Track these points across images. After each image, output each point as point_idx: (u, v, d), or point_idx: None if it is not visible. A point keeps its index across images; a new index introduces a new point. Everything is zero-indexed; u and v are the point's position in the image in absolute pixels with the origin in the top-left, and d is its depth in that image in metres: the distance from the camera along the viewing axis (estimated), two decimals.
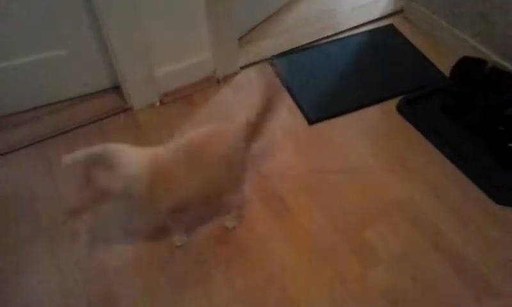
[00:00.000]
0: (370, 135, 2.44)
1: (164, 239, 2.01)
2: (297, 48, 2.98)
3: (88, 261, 1.97)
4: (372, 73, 2.78)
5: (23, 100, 2.53)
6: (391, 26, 3.10)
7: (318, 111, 2.52)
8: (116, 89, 2.66)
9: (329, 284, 1.87)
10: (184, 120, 2.53)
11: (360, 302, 1.82)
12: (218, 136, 1.80)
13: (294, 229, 2.06)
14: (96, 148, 1.61)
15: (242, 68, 2.84)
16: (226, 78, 2.77)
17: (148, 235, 2.05)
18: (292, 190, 2.20)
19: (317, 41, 3.04)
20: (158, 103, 2.62)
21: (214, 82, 2.75)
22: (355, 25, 3.13)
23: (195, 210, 2.00)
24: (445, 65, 2.68)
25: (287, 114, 2.53)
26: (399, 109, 2.52)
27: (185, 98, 2.66)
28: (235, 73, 2.81)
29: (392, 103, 2.56)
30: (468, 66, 2.48)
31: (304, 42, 3.02)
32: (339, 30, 3.10)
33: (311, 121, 2.49)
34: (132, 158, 1.65)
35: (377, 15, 3.18)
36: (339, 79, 2.75)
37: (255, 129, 1.88)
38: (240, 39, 2.94)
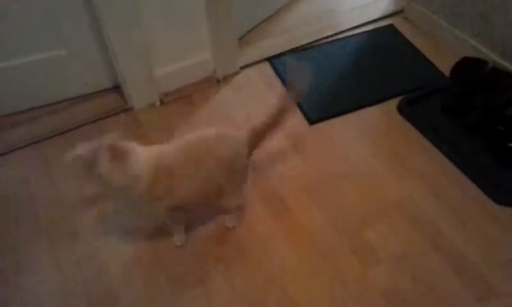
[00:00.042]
0: (370, 135, 2.44)
1: (164, 239, 2.01)
2: (297, 48, 2.98)
3: (88, 261, 1.97)
4: (372, 73, 2.78)
5: (22, 100, 2.53)
6: (391, 26, 3.10)
7: (318, 111, 2.52)
8: (117, 89, 2.67)
9: (329, 284, 1.87)
10: (184, 120, 2.53)
11: (360, 302, 1.82)
12: (221, 139, 1.80)
13: (294, 229, 2.06)
14: (110, 139, 1.61)
15: (242, 68, 2.84)
16: (226, 79, 2.78)
17: (148, 235, 2.05)
18: (292, 190, 2.20)
19: (317, 41, 3.04)
20: (158, 103, 2.62)
21: (214, 82, 2.75)
22: (355, 25, 3.13)
23: (195, 210, 2.00)
24: (445, 65, 2.69)
25: (287, 113, 2.52)
26: (399, 109, 2.53)
27: (186, 98, 2.66)
28: (235, 73, 2.81)
29: (392, 103, 2.57)
30: (468, 66, 2.48)
31: (304, 42, 3.02)
32: (339, 30, 3.10)
33: (311, 121, 2.49)
34: (138, 157, 1.65)
35: (377, 15, 3.18)
36: (339, 79, 2.75)
37: (258, 137, 1.90)
38: (240, 39, 2.94)
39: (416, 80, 2.69)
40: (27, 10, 2.20)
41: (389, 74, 2.76)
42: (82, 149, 1.62)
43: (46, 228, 2.08)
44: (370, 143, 2.39)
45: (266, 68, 2.85)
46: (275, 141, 2.22)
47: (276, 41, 3.02)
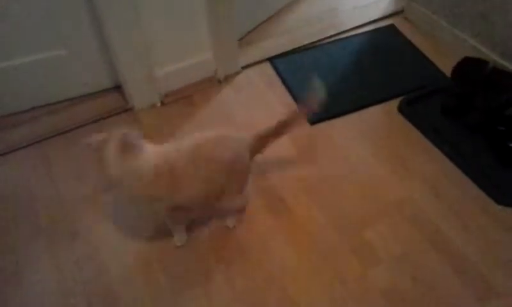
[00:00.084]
0: (370, 136, 2.44)
1: (164, 239, 2.01)
2: (299, 48, 2.99)
3: (88, 261, 1.96)
4: (373, 73, 2.78)
5: (23, 100, 2.53)
6: (391, 26, 3.10)
7: (319, 111, 2.51)
8: (117, 89, 2.67)
9: (329, 284, 1.87)
10: (185, 120, 2.53)
11: (360, 302, 1.82)
12: (224, 141, 1.80)
13: (294, 229, 2.06)
14: (126, 130, 1.63)
15: (243, 68, 2.84)
16: (227, 79, 2.78)
17: (148, 235, 2.05)
18: (292, 190, 2.20)
19: (318, 41, 3.04)
20: (159, 104, 2.62)
21: (215, 82, 2.75)
22: (356, 25, 3.13)
23: (196, 211, 1.99)
24: (445, 65, 2.69)
25: (288, 111, 2.52)
26: (400, 109, 2.52)
27: (187, 98, 2.66)
28: (237, 73, 2.81)
29: (393, 104, 2.56)
30: (469, 67, 2.48)
31: (305, 42, 3.02)
32: (340, 30, 3.11)
33: (312, 121, 2.49)
34: (143, 155, 1.65)
35: (378, 15, 3.19)
36: (340, 79, 2.75)
37: (262, 142, 1.91)
38: (241, 39, 2.94)
39: (416, 81, 2.69)
40: (27, 10, 2.20)
41: (390, 74, 2.76)
42: (100, 136, 1.63)
43: (46, 228, 2.08)
44: (371, 143, 2.39)
45: (267, 68, 2.85)
46: (275, 141, 2.22)
47: (277, 42, 3.02)
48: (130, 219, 2.11)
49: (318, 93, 1.99)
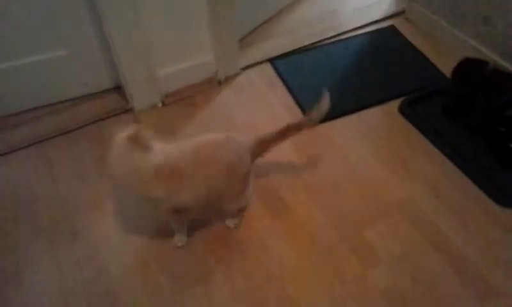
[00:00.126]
0: (370, 136, 2.44)
1: (164, 239, 2.01)
2: (299, 49, 2.99)
3: (88, 261, 1.97)
4: (373, 74, 2.79)
5: (23, 101, 2.53)
6: (392, 27, 3.10)
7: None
8: (118, 89, 2.67)
9: (328, 284, 1.87)
10: (185, 121, 2.53)
11: (360, 302, 1.82)
12: (225, 144, 1.81)
13: (294, 229, 2.06)
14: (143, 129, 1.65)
15: (243, 69, 2.84)
16: (228, 80, 2.78)
17: (148, 235, 2.05)
18: (291, 190, 2.20)
19: (319, 42, 3.04)
20: (160, 104, 2.62)
21: (216, 83, 2.75)
22: (357, 26, 3.13)
23: (196, 212, 1.99)
24: (445, 66, 2.69)
25: (288, 114, 2.53)
26: (401, 110, 2.52)
27: (187, 99, 2.66)
28: (237, 75, 2.81)
29: (393, 104, 2.57)
30: (469, 68, 2.47)
31: (306, 43, 3.02)
32: (341, 31, 3.10)
33: None
34: (148, 155, 1.66)
35: (379, 16, 3.18)
36: (341, 80, 2.75)
37: (264, 146, 1.92)
38: (241, 40, 2.94)
39: (417, 81, 2.69)
40: (27, 10, 2.20)
41: (390, 75, 2.76)
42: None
43: (46, 228, 2.08)
44: (371, 144, 2.39)
45: (267, 69, 2.85)
46: None
47: (278, 42, 3.02)
48: (131, 220, 2.11)
49: (325, 106, 2.00)
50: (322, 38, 3.05)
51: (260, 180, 2.21)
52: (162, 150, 1.71)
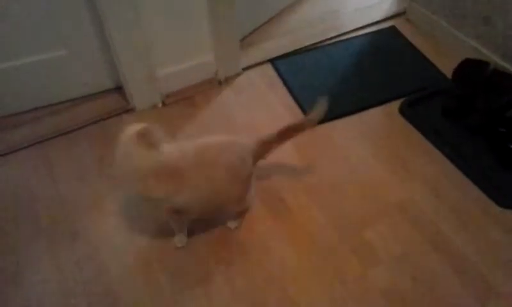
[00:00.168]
0: (371, 137, 2.44)
1: (165, 239, 2.01)
2: (300, 49, 2.99)
3: (88, 261, 1.97)
4: (373, 75, 2.79)
5: (23, 101, 2.53)
6: (393, 28, 3.10)
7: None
8: (118, 89, 2.67)
9: (329, 284, 1.87)
10: (186, 121, 2.53)
11: (360, 302, 1.82)
12: (228, 146, 1.81)
13: (294, 229, 2.06)
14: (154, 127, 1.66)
15: (244, 69, 2.84)
16: (228, 80, 2.78)
17: (148, 235, 2.05)
18: (292, 191, 2.20)
19: (320, 42, 3.04)
20: (160, 104, 2.62)
21: (216, 83, 2.75)
22: (358, 26, 3.14)
23: (197, 214, 1.99)
24: (446, 67, 2.69)
25: (289, 115, 2.53)
26: (401, 110, 2.52)
27: (188, 99, 2.66)
28: (237, 75, 2.81)
29: (393, 105, 2.57)
30: (470, 68, 2.48)
31: (307, 43, 3.02)
32: (342, 31, 3.11)
33: None
34: (147, 154, 1.66)
35: (380, 17, 3.19)
36: (341, 81, 2.75)
37: (265, 148, 1.92)
38: (242, 40, 2.93)
39: (417, 82, 2.69)
40: (27, 10, 2.20)
41: (391, 76, 2.76)
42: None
43: (46, 228, 2.08)
44: (371, 144, 2.39)
45: (268, 69, 2.85)
46: None
47: (279, 43, 3.02)
48: (131, 220, 2.11)
49: (323, 106, 1.99)
50: (324, 38, 3.05)
51: (262, 181, 2.21)
52: (164, 150, 1.72)
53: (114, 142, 1.68)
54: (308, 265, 1.94)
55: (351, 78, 2.77)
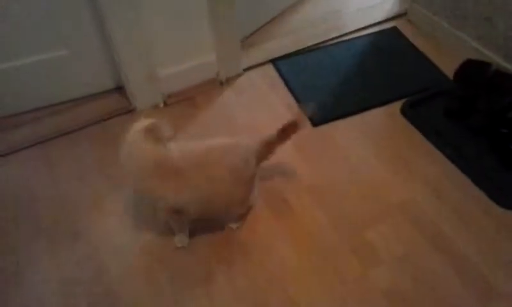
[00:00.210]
0: (373, 138, 2.43)
1: (165, 239, 2.01)
2: (302, 49, 2.99)
3: (88, 261, 1.96)
4: (375, 76, 2.78)
5: (24, 101, 2.53)
6: (394, 29, 3.10)
7: (322, 113, 2.51)
8: (119, 89, 2.67)
9: (329, 285, 1.86)
10: (187, 122, 2.53)
11: (361, 303, 1.81)
12: (231, 148, 1.82)
13: (296, 230, 2.06)
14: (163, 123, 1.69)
15: (245, 70, 2.84)
16: (229, 81, 2.78)
17: (149, 235, 2.05)
18: (294, 191, 2.20)
19: (322, 42, 3.04)
20: (162, 105, 2.63)
21: (217, 84, 2.75)
22: (360, 27, 3.14)
23: (198, 215, 1.98)
24: (448, 67, 2.68)
25: (290, 115, 2.52)
26: (403, 111, 2.52)
27: (189, 100, 2.66)
28: (239, 75, 2.81)
29: (395, 106, 2.56)
30: (472, 69, 2.47)
31: (309, 44, 3.02)
32: (344, 32, 3.11)
33: (314, 123, 2.49)
34: (149, 153, 1.67)
35: (381, 17, 3.19)
36: (343, 81, 2.75)
37: (268, 148, 1.92)
38: (244, 41, 2.94)
39: (419, 83, 2.69)
40: (27, 10, 2.20)
41: (393, 76, 2.76)
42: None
43: (46, 228, 2.08)
44: (373, 145, 2.39)
45: (269, 69, 2.85)
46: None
47: (281, 43, 3.02)
48: (131, 220, 2.11)
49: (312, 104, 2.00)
50: (326, 38, 3.05)
51: (266, 182, 2.20)
52: (166, 149, 1.72)
53: (116, 142, 1.68)
54: (309, 265, 1.94)
55: (353, 78, 2.77)
